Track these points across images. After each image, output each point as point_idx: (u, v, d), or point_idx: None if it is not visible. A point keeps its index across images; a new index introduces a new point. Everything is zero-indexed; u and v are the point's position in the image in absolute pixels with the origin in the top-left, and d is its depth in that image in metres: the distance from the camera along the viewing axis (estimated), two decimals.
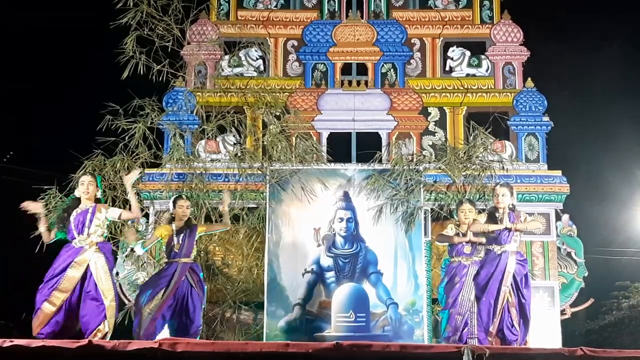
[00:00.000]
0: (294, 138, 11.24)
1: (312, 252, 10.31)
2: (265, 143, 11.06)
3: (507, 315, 8.33)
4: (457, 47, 12.25)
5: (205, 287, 8.79)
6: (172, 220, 8.70)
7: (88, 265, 7.76)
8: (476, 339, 8.44)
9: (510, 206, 8.52)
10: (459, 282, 8.84)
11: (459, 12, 12.37)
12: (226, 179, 10.96)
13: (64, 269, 7.75)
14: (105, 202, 10.35)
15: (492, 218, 8.51)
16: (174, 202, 8.73)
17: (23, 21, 17.63)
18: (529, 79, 11.94)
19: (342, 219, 10.39)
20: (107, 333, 7.64)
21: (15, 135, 17.32)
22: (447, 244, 9.22)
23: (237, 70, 12.07)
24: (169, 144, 11.25)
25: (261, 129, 11.47)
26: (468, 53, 12.17)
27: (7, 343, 6.34)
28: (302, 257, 10.28)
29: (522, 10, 12.55)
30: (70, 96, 17.87)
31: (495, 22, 12.26)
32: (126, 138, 10.55)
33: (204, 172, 10.83)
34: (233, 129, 11.26)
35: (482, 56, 12.15)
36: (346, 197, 10.47)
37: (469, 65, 12.13)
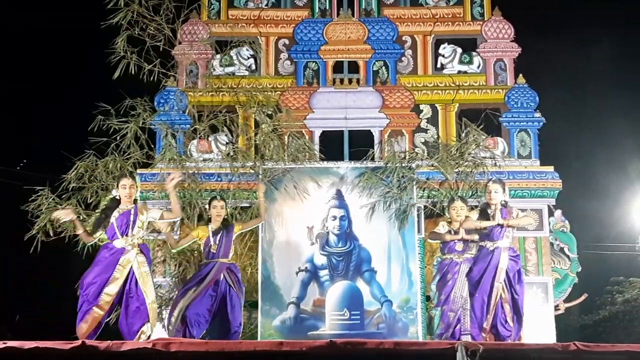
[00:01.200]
0: (286, 137, 11.24)
1: (305, 250, 10.33)
2: (257, 142, 11.05)
3: (500, 312, 8.35)
4: (448, 44, 12.24)
5: (244, 287, 8.86)
6: (208, 221, 8.74)
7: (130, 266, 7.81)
8: (469, 335, 8.46)
9: (503, 202, 8.55)
10: (451, 279, 8.86)
11: (449, 9, 12.36)
12: (219, 179, 10.95)
13: (110, 272, 7.75)
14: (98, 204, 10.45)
15: (484, 215, 8.53)
16: (209, 203, 8.89)
17: (12, 20, 17.58)
18: (521, 75, 11.94)
19: (335, 217, 10.41)
20: (150, 335, 7.64)
21: (4, 136, 17.28)
22: (439, 241, 9.24)
23: (229, 69, 12.04)
24: (161, 144, 11.22)
25: (253, 128, 11.45)
26: (459, 50, 12.16)
27: (1, 345, 6.33)
28: (295, 256, 10.30)
29: (512, 6, 12.56)
30: (60, 97, 17.84)
31: (486, 19, 12.26)
32: (118, 138, 10.55)
33: (196, 171, 10.82)
34: (225, 129, 11.25)
35: (474, 53, 12.15)
36: (339, 195, 10.49)
37: (460, 62, 12.13)
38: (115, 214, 7.98)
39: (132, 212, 7.96)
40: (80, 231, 8.15)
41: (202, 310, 8.38)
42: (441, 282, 8.97)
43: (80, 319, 7.74)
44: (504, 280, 8.36)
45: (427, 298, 10.58)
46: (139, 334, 7.63)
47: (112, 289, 7.75)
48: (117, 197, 8.12)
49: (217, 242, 8.63)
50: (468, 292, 8.63)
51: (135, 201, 8.18)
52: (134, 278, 7.81)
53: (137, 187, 8.21)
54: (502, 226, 8.40)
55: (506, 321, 8.34)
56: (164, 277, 10.50)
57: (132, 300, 7.78)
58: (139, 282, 7.79)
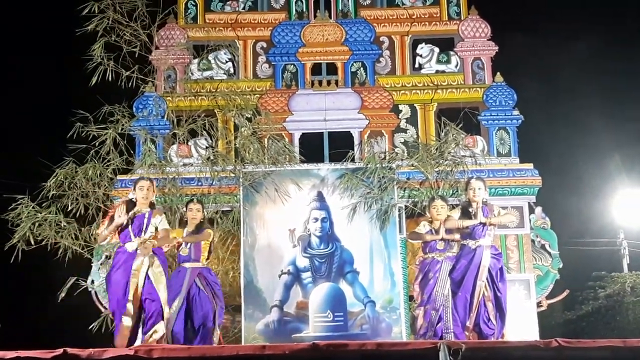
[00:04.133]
0: (266, 140, 11.24)
1: (287, 253, 10.30)
2: (237, 146, 11.05)
3: (483, 310, 8.38)
4: (425, 44, 12.28)
5: (219, 288, 8.83)
6: (185, 224, 8.70)
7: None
8: (452, 333, 8.46)
9: (484, 200, 8.58)
10: (432, 277, 8.85)
11: (426, 9, 12.40)
12: (199, 183, 10.92)
13: (127, 278, 7.77)
14: (87, 210, 10.41)
15: (465, 213, 8.55)
16: (186, 206, 8.85)
17: None
18: (498, 73, 12.00)
19: (316, 219, 10.39)
20: (163, 335, 7.61)
21: None
22: (419, 241, 9.25)
23: (207, 73, 12.03)
24: (140, 149, 11.20)
25: (233, 131, 11.44)
26: (437, 49, 12.21)
27: None
28: (278, 259, 10.27)
29: (488, 4, 12.63)
30: (37, 104, 17.73)
31: (462, 18, 12.32)
32: (97, 145, 10.51)
33: (176, 176, 10.79)
34: (204, 133, 11.23)
35: (451, 52, 12.20)
36: (320, 197, 10.47)
37: (438, 61, 12.17)
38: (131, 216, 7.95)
39: (147, 215, 7.92)
40: (104, 230, 8.02)
41: (181, 324, 8.39)
42: (423, 282, 8.97)
43: (116, 332, 7.82)
44: (487, 279, 8.39)
45: (410, 298, 10.59)
46: (151, 332, 7.61)
47: (132, 294, 7.76)
48: (134, 200, 8.07)
49: (188, 246, 8.62)
50: (450, 290, 8.64)
51: (152, 205, 8.12)
52: (149, 280, 7.82)
53: (154, 190, 8.13)
54: (484, 224, 8.42)
55: (489, 319, 8.37)
56: None
57: (149, 302, 7.82)
58: (153, 283, 7.78)
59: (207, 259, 8.86)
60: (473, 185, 8.59)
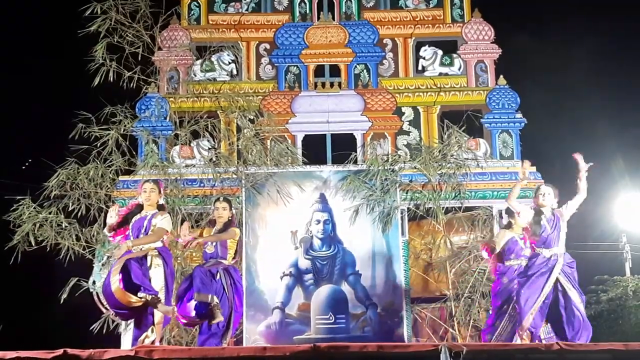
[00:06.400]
0: (268, 141, 11.24)
1: (289, 255, 10.31)
2: (239, 147, 11.04)
3: (559, 314, 8.01)
4: (429, 46, 12.27)
5: (242, 291, 8.56)
6: (214, 223, 8.61)
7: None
8: (524, 335, 8.08)
9: (552, 207, 8.25)
10: (509, 281, 8.52)
11: (429, 12, 12.39)
12: (201, 184, 10.91)
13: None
14: (88, 211, 10.39)
15: (536, 220, 8.17)
16: (213, 204, 8.60)
17: None
18: (501, 76, 11.99)
19: (319, 221, 10.40)
20: (153, 340, 7.53)
21: None
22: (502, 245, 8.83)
23: (210, 74, 12.02)
24: (142, 150, 11.20)
25: (235, 133, 11.43)
26: (440, 52, 12.20)
27: None
28: (280, 261, 10.27)
29: (492, 7, 12.61)
30: (40, 105, 17.75)
31: (466, 21, 12.30)
32: (99, 146, 10.51)
33: (178, 177, 10.78)
34: (207, 134, 11.22)
35: (454, 55, 12.19)
36: (322, 199, 10.48)
37: (441, 64, 12.16)
38: (135, 218, 7.91)
39: (148, 217, 7.87)
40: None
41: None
42: (500, 286, 8.66)
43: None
44: (559, 284, 8.04)
45: (412, 300, 10.58)
46: (143, 336, 7.54)
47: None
48: (141, 203, 8.03)
49: (214, 244, 8.50)
50: (520, 293, 8.22)
51: (161, 207, 8.04)
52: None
53: (158, 191, 8.02)
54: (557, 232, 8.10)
55: (563, 326, 7.97)
56: None
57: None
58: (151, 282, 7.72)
59: (234, 258, 8.68)
60: (542, 190, 8.27)
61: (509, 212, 8.85)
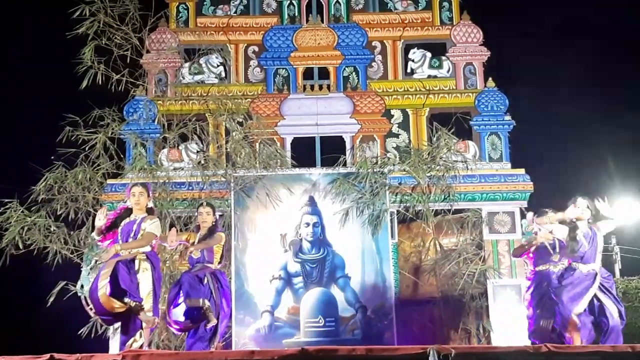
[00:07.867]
0: (257, 144, 11.22)
1: (279, 258, 10.28)
2: (228, 150, 11.02)
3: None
4: (417, 48, 12.27)
5: (229, 293, 8.50)
6: (198, 228, 8.57)
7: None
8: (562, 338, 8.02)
9: (590, 220, 8.08)
10: (547, 286, 8.39)
11: (418, 14, 12.39)
12: (190, 187, 10.88)
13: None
14: (76, 215, 10.33)
15: (572, 235, 7.99)
16: (197, 210, 8.58)
17: None
18: (490, 78, 11.99)
19: (308, 224, 10.38)
20: (143, 344, 7.47)
21: None
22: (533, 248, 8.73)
23: (198, 77, 11.99)
24: (131, 153, 11.15)
25: (224, 135, 11.40)
26: (429, 54, 12.20)
27: None
28: (269, 264, 10.24)
29: (481, 9, 12.61)
30: (27, 108, 17.68)
31: (454, 23, 12.30)
32: (87, 149, 10.47)
33: (167, 180, 10.75)
34: (195, 137, 11.21)
35: (443, 57, 12.19)
36: (312, 201, 10.46)
37: (430, 66, 12.16)
38: (124, 223, 7.85)
39: (138, 221, 7.82)
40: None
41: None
42: (536, 291, 8.54)
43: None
44: (594, 299, 7.95)
45: (402, 303, 10.57)
46: (131, 341, 7.49)
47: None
48: (130, 207, 7.98)
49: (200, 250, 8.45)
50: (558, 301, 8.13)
51: (150, 211, 7.98)
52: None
53: (147, 195, 7.96)
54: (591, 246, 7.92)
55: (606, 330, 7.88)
56: None
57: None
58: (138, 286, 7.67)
59: (220, 262, 8.66)
60: (579, 203, 8.04)
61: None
